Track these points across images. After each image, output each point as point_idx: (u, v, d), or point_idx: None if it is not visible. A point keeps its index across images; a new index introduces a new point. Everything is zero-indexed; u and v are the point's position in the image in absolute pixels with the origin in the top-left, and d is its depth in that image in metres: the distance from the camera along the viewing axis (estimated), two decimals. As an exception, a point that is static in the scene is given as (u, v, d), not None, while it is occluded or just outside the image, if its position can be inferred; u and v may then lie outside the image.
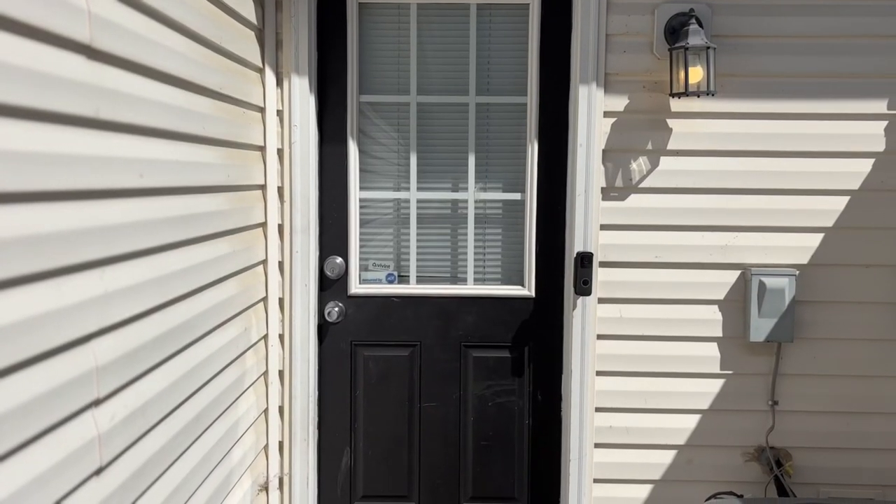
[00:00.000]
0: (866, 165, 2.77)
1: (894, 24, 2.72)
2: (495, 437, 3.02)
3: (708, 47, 2.60)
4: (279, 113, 2.80)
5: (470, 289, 2.98)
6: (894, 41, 2.73)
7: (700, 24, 2.64)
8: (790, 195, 2.79)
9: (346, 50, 2.88)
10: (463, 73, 2.92)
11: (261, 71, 2.73)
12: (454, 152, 2.96)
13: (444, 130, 2.95)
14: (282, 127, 2.80)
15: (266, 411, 2.85)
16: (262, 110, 2.76)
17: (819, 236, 2.80)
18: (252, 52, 2.61)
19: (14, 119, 1.24)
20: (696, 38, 2.59)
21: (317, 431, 2.98)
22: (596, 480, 2.90)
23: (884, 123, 2.75)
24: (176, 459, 1.95)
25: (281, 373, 2.88)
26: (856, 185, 2.78)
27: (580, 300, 2.82)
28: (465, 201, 2.97)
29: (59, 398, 1.38)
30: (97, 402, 1.53)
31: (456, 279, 3.01)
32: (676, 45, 2.62)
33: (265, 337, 2.82)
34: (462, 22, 2.90)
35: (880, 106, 2.75)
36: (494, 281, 3.00)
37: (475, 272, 3.00)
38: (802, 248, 2.80)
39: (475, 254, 2.99)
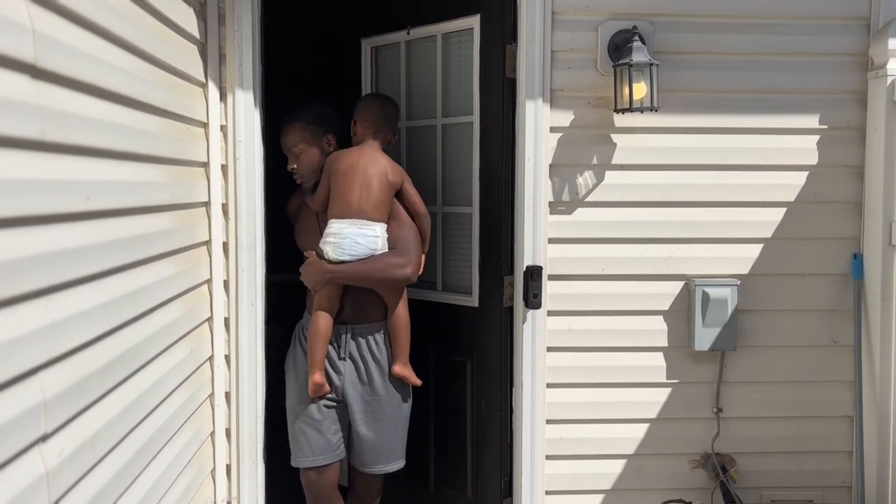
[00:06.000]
0: (801, 178, 2.87)
1: (823, 43, 2.83)
2: (452, 439, 3.11)
3: (651, 64, 2.65)
4: (223, 128, 2.74)
5: (436, 295, 3.11)
6: (824, 59, 2.84)
7: (643, 41, 2.69)
8: (730, 207, 2.87)
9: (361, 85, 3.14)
10: (432, 98, 3.07)
11: (204, 86, 2.67)
12: (429, 170, 3.11)
13: (419, 150, 3.14)
14: (226, 142, 2.74)
15: (213, 434, 2.77)
16: (205, 126, 2.69)
17: (758, 247, 2.88)
18: (195, 66, 2.55)
19: (-43, 144, 1.18)
20: (639, 55, 2.65)
21: (265, 453, 2.91)
22: (548, 492, 2.92)
23: (816, 137, 2.86)
24: (126, 489, 1.88)
25: (227, 394, 2.81)
26: (791, 197, 2.87)
27: (530, 313, 2.84)
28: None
29: (5, 436, 1.31)
30: (45, 438, 1.45)
31: (433, 285, 3.14)
32: (620, 61, 2.67)
33: (211, 358, 2.75)
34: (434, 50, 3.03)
35: (813, 121, 2.85)
36: (454, 290, 3.09)
37: (443, 279, 3.13)
38: (743, 258, 2.88)
39: (443, 262, 3.12)
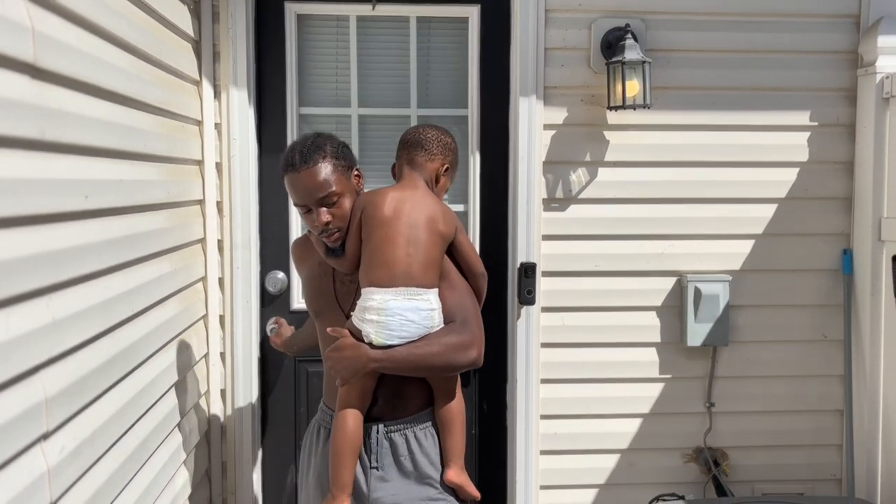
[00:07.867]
0: (792, 174, 2.90)
1: (813, 40, 2.85)
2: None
3: (644, 62, 2.67)
4: (217, 126, 2.74)
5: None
6: (815, 56, 2.87)
7: (635, 39, 2.71)
8: (722, 204, 2.89)
9: (286, 62, 2.85)
10: (404, 85, 2.93)
11: (198, 84, 2.67)
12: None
13: (387, 142, 2.94)
14: (220, 140, 2.75)
15: (208, 432, 2.78)
16: (199, 123, 2.69)
17: (750, 243, 2.91)
18: (189, 64, 2.55)
19: (-41, 144, 1.18)
20: (632, 53, 2.66)
21: (261, 450, 2.92)
22: (542, 487, 2.94)
23: (807, 134, 2.89)
24: (123, 488, 1.89)
25: (223, 392, 2.81)
26: (782, 194, 2.90)
27: (524, 309, 2.86)
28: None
29: (8, 435, 1.32)
30: (46, 436, 1.46)
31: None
32: (613, 59, 2.69)
33: (206, 356, 2.75)
34: (402, 34, 2.91)
35: (803, 118, 2.88)
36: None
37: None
38: (734, 254, 2.91)
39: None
